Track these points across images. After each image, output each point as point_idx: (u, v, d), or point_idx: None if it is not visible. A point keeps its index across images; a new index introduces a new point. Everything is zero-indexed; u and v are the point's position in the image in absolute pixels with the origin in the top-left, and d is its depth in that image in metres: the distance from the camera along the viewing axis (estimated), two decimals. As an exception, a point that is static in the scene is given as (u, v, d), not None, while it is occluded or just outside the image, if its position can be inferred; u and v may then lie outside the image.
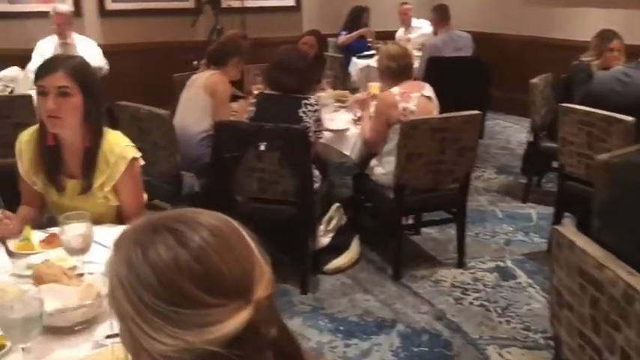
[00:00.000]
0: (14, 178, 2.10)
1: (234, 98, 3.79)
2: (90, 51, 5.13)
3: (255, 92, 3.61)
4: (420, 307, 2.97)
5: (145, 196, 2.27)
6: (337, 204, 3.34)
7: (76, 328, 1.40)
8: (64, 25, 4.98)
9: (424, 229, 3.76)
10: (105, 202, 2.02)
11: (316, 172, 3.18)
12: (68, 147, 1.99)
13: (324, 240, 3.26)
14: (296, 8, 6.66)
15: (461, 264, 3.36)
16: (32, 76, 4.65)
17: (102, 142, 1.98)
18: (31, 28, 5.19)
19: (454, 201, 3.33)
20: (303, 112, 2.98)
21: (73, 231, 1.63)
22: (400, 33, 6.56)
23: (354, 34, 6.37)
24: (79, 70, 1.92)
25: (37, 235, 1.88)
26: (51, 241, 1.82)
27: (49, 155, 1.99)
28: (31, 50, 4.98)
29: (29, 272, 1.60)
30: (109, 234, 1.91)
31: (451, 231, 3.48)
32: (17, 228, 1.87)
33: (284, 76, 3.02)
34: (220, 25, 5.75)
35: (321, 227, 3.25)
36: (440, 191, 3.25)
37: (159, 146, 3.22)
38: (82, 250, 1.64)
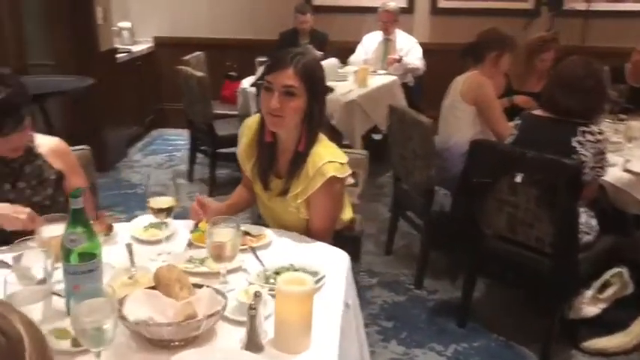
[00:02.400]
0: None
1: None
2: (410, 49, 5.10)
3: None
4: None
5: (349, 215, 2.05)
6: (622, 268, 2.55)
7: (159, 344, 1.27)
8: (390, 22, 5.05)
9: None
10: (296, 212, 1.88)
11: (592, 222, 2.46)
12: (282, 146, 1.90)
13: (591, 309, 2.53)
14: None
15: None
16: (350, 67, 4.80)
17: (311, 152, 1.82)
18: (359, 21, 5.43)
19: None
20: (579, 142, 2.30)
21: (217, 237, 1.51)
22: None
23: None
24: (309, 69, 1.80)
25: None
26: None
27: (265, 152, 1.92)
28: (358, 43, 5.23)
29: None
30: (283, 246, 1.78)
31: None
32: (208, 217, 1.85)
33: (563, 95, 2.36)
34: (554, 29, 5.06)
35: (589, 292, 2.53)
36: None
37: (417, 155, 2.95)
38: (223, 257, 1.51)
